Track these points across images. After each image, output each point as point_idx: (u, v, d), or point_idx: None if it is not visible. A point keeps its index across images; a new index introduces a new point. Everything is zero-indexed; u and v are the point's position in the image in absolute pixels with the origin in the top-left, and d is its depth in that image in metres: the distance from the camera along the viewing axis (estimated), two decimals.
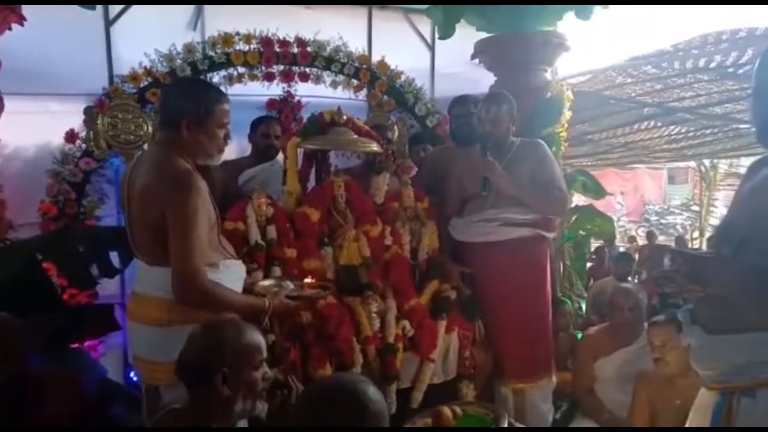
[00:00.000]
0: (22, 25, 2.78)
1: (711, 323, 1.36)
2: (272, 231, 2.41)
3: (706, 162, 10.45)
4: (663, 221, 15.35)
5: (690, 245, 9.75)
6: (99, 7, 3.28)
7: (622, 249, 7.63)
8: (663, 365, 2.31)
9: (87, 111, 3.01)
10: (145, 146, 2.81)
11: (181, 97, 1.79)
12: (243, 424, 1.74)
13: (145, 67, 3.18)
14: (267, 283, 2.15)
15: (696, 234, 11.22)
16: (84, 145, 3.09)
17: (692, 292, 1.31)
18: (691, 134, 6.93)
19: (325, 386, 1.29)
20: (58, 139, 3.14)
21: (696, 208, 11.82)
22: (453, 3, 3.42)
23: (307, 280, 2.26)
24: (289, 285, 2.12)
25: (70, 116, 3.11)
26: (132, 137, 2.92)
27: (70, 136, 3.12)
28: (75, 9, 2.99)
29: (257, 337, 1.48)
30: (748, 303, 1.25)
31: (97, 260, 2.95)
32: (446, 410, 2.00)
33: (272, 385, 1.54)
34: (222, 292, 1.77)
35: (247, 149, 3.30)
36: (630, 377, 2.51)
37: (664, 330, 2.28)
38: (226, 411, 1.42)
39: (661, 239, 10.84)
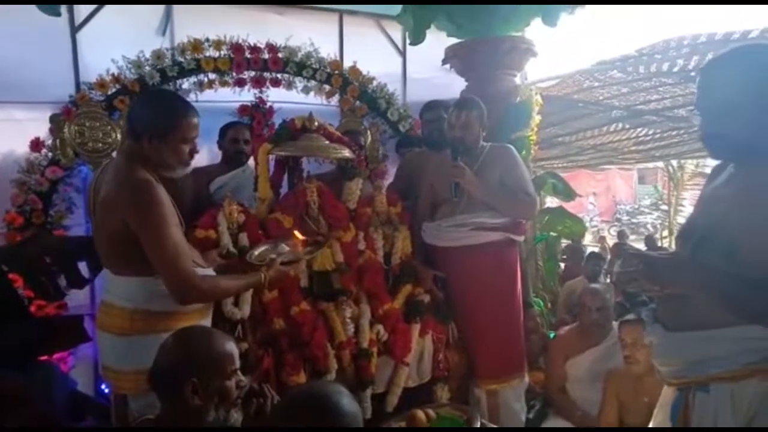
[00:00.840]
0: None
1: (669, 321, 1.42)
2: (244, 238, 2.40)
3: (674, 162, 10.71)
4: (634, 221, 15.69)
5: (659, 244, 9.98)
6: (65, 13, 3.23)
7: (593, 249, 7.77)
8: (633, 363, 2.38)
9: (53, 119, 2.96)
10: (114, 154, 2.77)
11: (146, 109, 1.78)
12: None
13: (113, 74, 3.14)
14: (260, 249, 2.12)
15: (666, 233, 11.48)
16: (50, 154, 3.03)
17: (651, 292, 1.36)
18: (657, 136, 7.10)
19: (298, 398, 1.29)
20: (23, 148, 3.06)
21: (665, 207, 12.10)
22: (429, 3, 3.44)
23: (300, 237, 2.23)
24: (284, 248, 2.10)
25: (36, 124, 3.04)
26: (100, 145, 2.88)
27: (36, 144, 3.05)
28: (40, 15, 2.93)
29: (228, 346, 1.47)
30: (703, 301, 1.30)
31: (65, 271, 2.88)
32: (420, 413, 2.03)
33: (247, 393, 1.53)
34: (218, 284, 1.83)
35: (219, 156, 3.28)
36: (600, 375, 2.57)
37: (634, 329, 2.34)
38: (199, 421, 1.41)
39: (632, 238, 11.08)
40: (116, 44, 3.26)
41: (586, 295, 2.76)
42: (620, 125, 6.65)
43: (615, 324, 2.76)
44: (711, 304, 1.28)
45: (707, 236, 1.32)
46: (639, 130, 6.88)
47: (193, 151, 1.84)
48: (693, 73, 4.38)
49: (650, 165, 14.34)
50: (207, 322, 1.96)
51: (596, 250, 7.36)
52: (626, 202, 17.74)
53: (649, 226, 14.66)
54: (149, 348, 1.49)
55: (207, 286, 1.77)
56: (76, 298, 3.10)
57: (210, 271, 1.94)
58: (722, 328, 1.29)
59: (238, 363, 1.48)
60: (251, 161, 3.07)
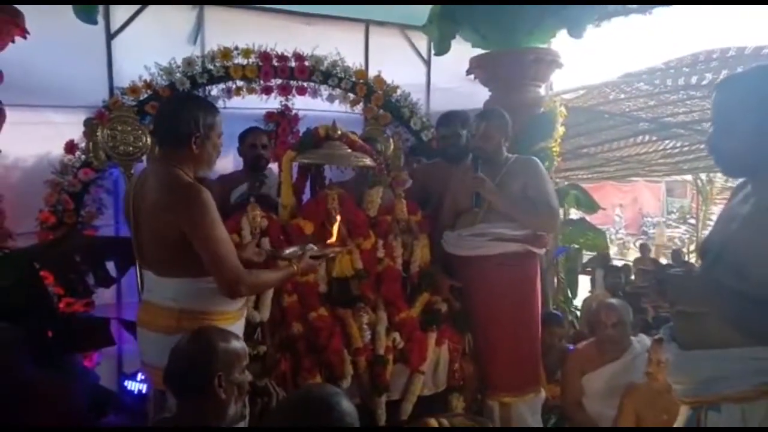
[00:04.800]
0: (24, 38, 2.85)
1: (684, 339, 1.41)
2: (266, 243, 2.45)
3: (703, 176, 10.51)
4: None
5: (686, 258, 9.77)
6: (101, 21, 3.35)
7: (617, 262, 7.67)
8: (653, 380, 2.35)
9: (87, 122, 3.06)
10: (144, 158, 2.86)
11: (188, 114, 1.86)
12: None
13: (145, 81, 3.24)
14: (291, 249, 2.21)
15: (693, 247, 11.25)
16: (83, 156, 3.14)
17: (662, 308, 1.37)
18: (686, 149, 6.99)
19: (296, 399, 1.34)
20: (57, 150, 3.19)
21: (693, 221, 11.86)
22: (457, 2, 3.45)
23: (330, 240, 2.32)
24: (313, 247, 2.18)
25: (70, 127, 3.17)
26: (131, 149, 2.97)
27: (70, 147, 3.17)
28: (78, 23, 3.05)
29: (240, 342, 1.59)
30: (714, 320, 1.29)
31: (94, 269, 2.98)
32: (433, 422, 2.04)
33: (253, 392, 1.60)
34: (261, 278, 1.95)
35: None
36: (617, 391, 2.54)
37: (663, 348, 2.30)
38: (221, 415, 1.47)
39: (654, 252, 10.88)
40: (149, 52, 3.37)
41: (602, 310, 2.73)
42: (647, 137, 6.57)
43: (634, 339, 2.74)
44: (722, 323, 1.27)
45: (721, 254, 1.33)
46: (666, 142, 6.78)
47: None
48: None
49: (679, 178, 14.08)
50: (242, 323, 2.04)
51: (620, 263, 7.25)
52: (653, 215, 17.42)
53: (676, 240, 14.35)
54: None
55: (254, 283, 1.90)
56: (102, 297, 3.20)
57: None
58: (732, 348, 1.29)
59: (247, 359, 1.59)
60: (275, 167, 3.13)
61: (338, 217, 2.45)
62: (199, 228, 1.75)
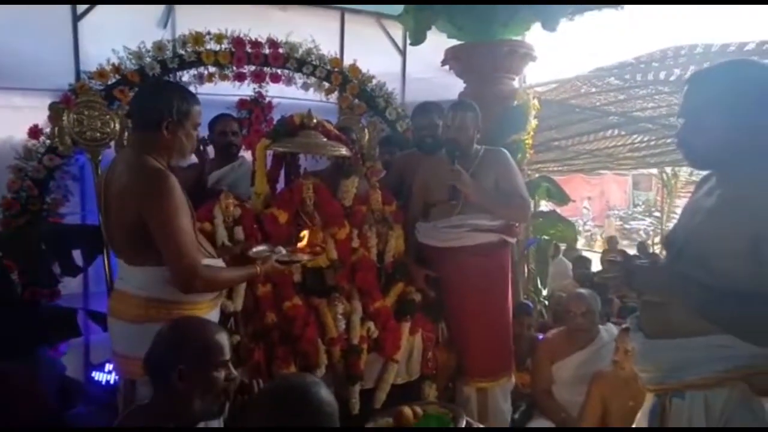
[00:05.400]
0: None
1: (649, 328, 1.46)
2: (239, 232, 2.42)
3: (668, 170, 10.78)
4: (627, 226, 15.77)
5: (651, 250, 10.05)
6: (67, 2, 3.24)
7: (584, 253, 7.82)
8: (619, 368, 2.41)
9: (52, 107, 2.95)
10: (112, 144, 2.79)
11: (161, 99, 1.83)
12: (218, 424, 1.75)
13: (113, 64, 3.15)
14: (260, 248, 2.17)
15: (657, 239, 11.56)
16: (48, 142, 3.04)
17: (629, 298, 1.41)
18: (653, 143, 7.15)
19: (275, 389, 1.32)
20: (21, 135, 3.08)
21: (658, 214, 12.18)
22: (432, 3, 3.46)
23: (300, 244, 2.28)
24: (282, 250, 2.15)
25: (34, 111, 3.05)
26: (98, 134, 2.88)
27: (34, 131, 3.06)
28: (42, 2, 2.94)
29: (219, 337, 1.50)
30: (679, 309, 1.34)
31: (60, 258, 2.91)
32: (407, 410, 2.06)
33: (236, 388, 1.55)
34: (219, 275, 1.90)
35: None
36: (586, 379, 2.61)
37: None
38: (184, 408, 1.43)
39: (624, 243, 11.15)
40: (118, 34, 3.28)
41: (572, 300, 2.79)
42: (616, 131, 6.70)
43: (602, 328, 2.81)
44: (687, 312, 1.32)
45: (685, 246, 1.37)
46: (634, 136, 6.92)
47: (197, 138, 1.95)
48: None
49: (645, 171, 14.43)
50: (216, 312, 2.01)
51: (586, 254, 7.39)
52: (620, 208, 17.84)
53: (641, 232, 14.74)
54: None
55: (210, 277, 1.82)
56: (69, 287, 3.12)
57: (220, 262, 1.98)
58: (695, 337, 1.33)
59: (228, 355, 1.50)
60: (248, 156, 3.08)
61: (310, 229, 2.41)
62: (158, 214, 1.71)
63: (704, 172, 1.52)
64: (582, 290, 2.92)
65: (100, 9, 3.38)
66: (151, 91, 1.96)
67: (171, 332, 1.48)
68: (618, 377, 2.43)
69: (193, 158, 2.97)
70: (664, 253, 1.55)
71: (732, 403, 1.30)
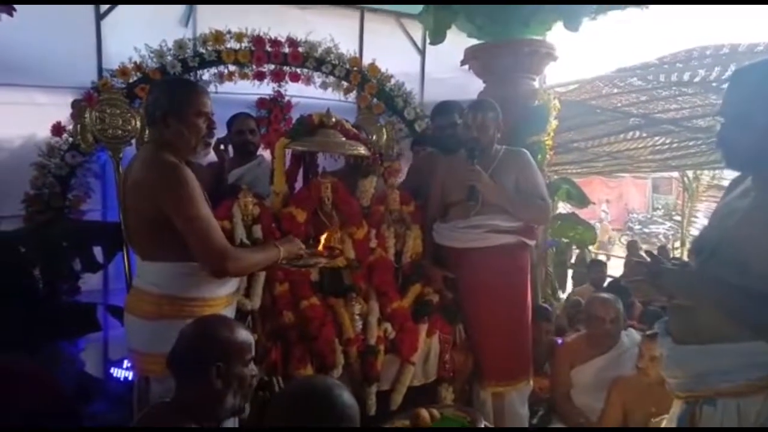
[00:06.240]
0: (11, 15, 2.77)
1: (679, 333, 1.42)
2: (258, 230, 2.42)
3: (689, 173, 10.60)
4: (646, 230, 15.54)
5: (671, 255, 9.88)
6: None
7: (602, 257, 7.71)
8: (643, 375, 2.36)
9: (75, 104, 3.00)
10: (133, 141, 2.81)
11: (157, 94, 1.86)
12: (233, 423, 1.76)
13: (135, 63, 3.17)
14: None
15: (678, 244, 11.37)
16: (71, 139, 3.07)
17: (657, 301, 1.36)
18: (675, 145, 7.03)
19: (298, 391, 1.32)
20: (44, 132, 3.11)
21: (678, 218, 11.98)
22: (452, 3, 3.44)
23: (318, 249, 2.25)
24: (302, 246, 2.13)
25: (58, 109, 3.09)
26: (120, 132, 2.91)
27: (57, 129, 3.09)
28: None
29: (247, 335, 1.54)
30: (710, 314, 1.30)
31: (80, 255, 2.94)
32: (424, 412, 2.03)
33: (256, 385, 1.57)
34: (248, 255, 1.91)
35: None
36: (605, 384, 2.56)
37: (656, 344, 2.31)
38: (218, 405, 1.45)
39: (643, 248, 10.97)
40: (140, 33, 3.30)
41: (599, 305, 2.72)
42: (637, 133, 6.60)
43: (623, 333, 2.75)
44: (718, 317, 1.27)
45: (718, 248, 1.32)
46: (656, 138, 6.82)
47: (212, 126, 1.92)
48: (714, 84, 4.34)
49: (665, 174, 14.21)
50: (231, 310, 2.02)
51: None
52: (639, 211, 17.60)
53: (661, 236, 14.51)
54: (176, 333, 1.53)
55: (240, 261, 1.82)
56: (89, 283, 3.15)
57: None
58: (729, 343, 1.29)
59: (253, 352, 1.54)
60: (267, 155, 3.09)
61: (327, 228, 2.41)
62: (179, 204, 1.72)
63: (734, 175, 1.47)
64: (607, 295, 2.84)
65: (123, 7, 3.41)
66: (152, 90, 1.99)
67: (202, 330, 1.50)
68: (640, 383, 2.38)
69: (212, 157, 2.99)
70: (690, 257, 1.49)
71: (766, 412, 1.25)
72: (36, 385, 2.32)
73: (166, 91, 1.86)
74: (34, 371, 2.37)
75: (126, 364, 3.09)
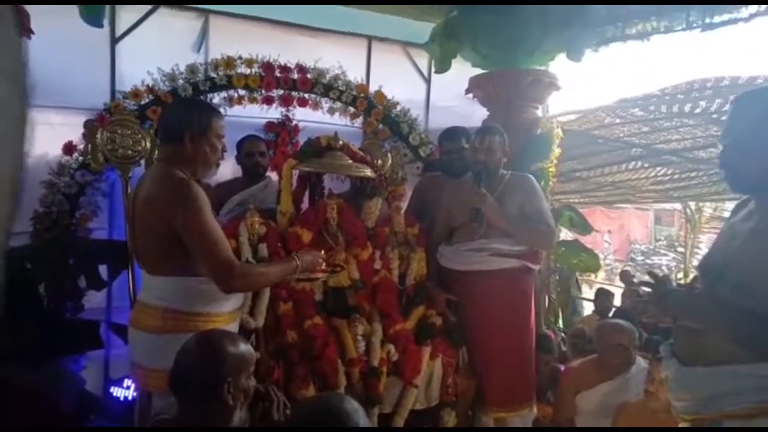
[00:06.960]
0: (29, 38, 2.85)
1: (684, 355, 1.41)
2: (263, 249, 2.44)
3: (692, 204, 10.63)
4: (649, 261, 15.49)
5: (675, 284, 9.80)
6: (106, 25, 3.36)
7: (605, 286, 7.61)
8: (653, 399, 2.33)
9: (87, 124, 3.05)
10: (143, 162, 2.85)
11: (183, 112, 1.92)
12: None
13: (148, 86, 3.24)
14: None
15: (680, 275, 11.33)
16: (81, 158, 3.12)
17: (663, 323, 1.36)
18: (676, 176, 7.06)
19: (314, 413, 1.31)
20: (56, 151, 3.16)
21: (681, 249, 11.96)
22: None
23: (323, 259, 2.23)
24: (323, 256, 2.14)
25: (71, 129, 3.14)
26: (130, 152, 2.96)
27: (68, 148, 3.15)
28: (83, 25, 3.06)
29: (247, 346, 1.55)
30: (716, 336, 1.30)
31: (86, 272, 2.96)
32: None
33: (254, 396, 1.56)
34: (258, 271, 1.92)
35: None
36: (610, 410, 2.53)
37: None
38: (227, 421, 1.44)
39: (645, 278, 10.88)
40: (153, 57, 3.37)
41: (614, 333, 2.65)
42: (639, 163, 6.64)
43: None
44: (724, 339, 1.28)
45: (724, 271, 1.33)
46: (658, 169, 6.86)
47: (224, 150, 1.98)
48: (715, 115, 4.40)
49: (667, 206, 14.23)
50: (235, 326, 2.02)
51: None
52: (641, 242, 17.55)
53: (664, 267, 14.44)
54: (179, 348, 1.53)
55: (249, 275, 1.85)
56: (93, 301, 3.16)
57: None
58: (735, 365, 1.28)
59: (254, 364, 1.55)
60: (274, 176, 3.13)
61: (332, 248, 2.44)
62: (187, 219, 1.74)
63: (737, 199, 1.49)
64: (622, 322, 2.80)
65: (138, 32, 3.51)
66: (175, 107, 2.04)
67: (206, 348, 1.47)
68: (645, 409, 2.36)
69: (218, 178, 3.04)
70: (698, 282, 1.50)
71: None
72: (36, 401, 2.31)
73: (194, 110, 1.91)
74: (35, 387, 2.37)
75: (127, 383, 3.07)
